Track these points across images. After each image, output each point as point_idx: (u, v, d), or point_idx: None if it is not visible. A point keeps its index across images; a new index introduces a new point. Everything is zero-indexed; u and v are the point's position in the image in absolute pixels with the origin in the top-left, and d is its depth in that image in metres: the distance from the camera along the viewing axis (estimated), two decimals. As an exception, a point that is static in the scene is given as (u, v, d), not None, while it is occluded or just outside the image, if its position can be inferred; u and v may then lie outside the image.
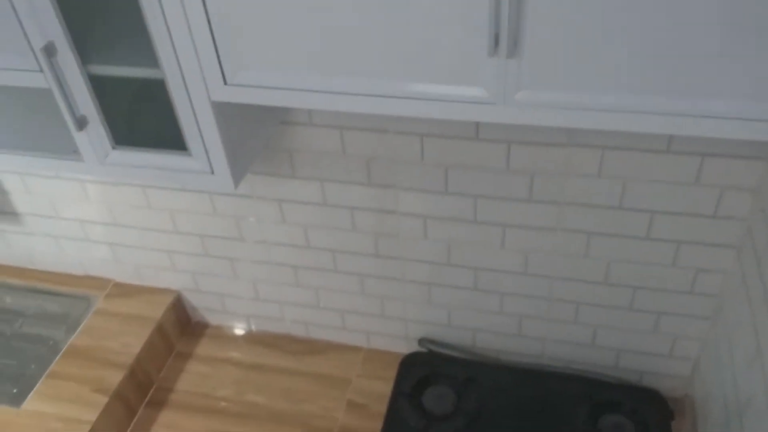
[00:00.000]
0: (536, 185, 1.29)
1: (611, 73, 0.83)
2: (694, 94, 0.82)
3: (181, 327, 1.85)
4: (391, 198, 1.41)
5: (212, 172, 1.13)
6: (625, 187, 1.25)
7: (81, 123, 1.11)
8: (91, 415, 1.53)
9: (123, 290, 1.85)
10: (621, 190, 1.25)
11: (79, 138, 1.15)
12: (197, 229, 1.65)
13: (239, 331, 1.86)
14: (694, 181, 1.20)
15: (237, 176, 1.15)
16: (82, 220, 1.74)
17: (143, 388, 1.69)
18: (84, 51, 1.04)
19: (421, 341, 1.69)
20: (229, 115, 1.09)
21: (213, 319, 1.88)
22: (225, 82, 0.99)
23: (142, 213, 1.65)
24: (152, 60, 1.00)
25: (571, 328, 1.51)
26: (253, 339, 1.84)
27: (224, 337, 1.85)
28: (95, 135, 1.14)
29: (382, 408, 1.59)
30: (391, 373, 1.62)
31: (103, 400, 1.56)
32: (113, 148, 1.15)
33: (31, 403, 1.57)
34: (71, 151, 1.19)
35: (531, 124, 0.95)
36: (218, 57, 0.97)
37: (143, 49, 1.00)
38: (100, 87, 1.08)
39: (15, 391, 1.61)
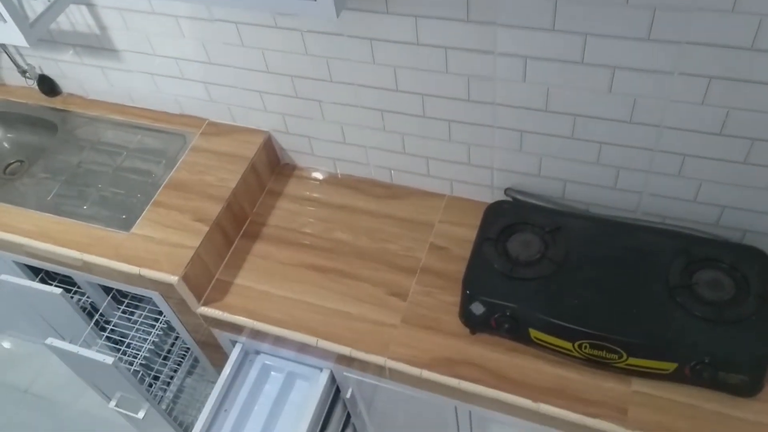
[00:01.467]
0: (657, 22, 1.12)
1: None
2: None
3: (271, 167, 1.84)
4: (489, 36, 1.28)
5: (314, -2, 1.02)
6: (761, 24, 1.06)
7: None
8: (195, 242, 1.57)
9: (217, 129, 1.83)
10: (756, 26, 1.07)
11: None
12: (288, 69, 1.57)
13: (325, 174, 1.84)
14: None
15: (339, 4, 1.03)
16: (177, 58, 1.69)
17: (239, 221, 1.71)
18: None
19: (508, 191, 1.61)
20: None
21: (300, 161, 1.85)
22: None
23: (236, 51, 1.58)
24: None
25: (673, 181, 1.39)
26: (337, 182, 1.81)
27: (311, 178, 1.83)
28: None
29: (463, 252, 1.56)
30: (474, 221, 1.57)
31: (204, 228, 1.59)
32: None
33: (139, 228, 1.63)
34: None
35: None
36: None
37: None
38: None
39: (124, 217, 1.66)
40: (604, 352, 1.30)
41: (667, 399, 1.31)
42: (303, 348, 1.54)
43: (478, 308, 1.40)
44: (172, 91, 1.81)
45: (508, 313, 1.36)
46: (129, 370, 1.69)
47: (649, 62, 1.19)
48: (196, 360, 2.04)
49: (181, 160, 1.76)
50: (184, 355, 2.05)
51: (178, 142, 1.81)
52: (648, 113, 1.28)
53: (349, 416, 1.88)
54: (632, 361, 1.29)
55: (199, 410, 2.08)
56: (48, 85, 2.00)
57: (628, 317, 1.31)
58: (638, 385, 1.33)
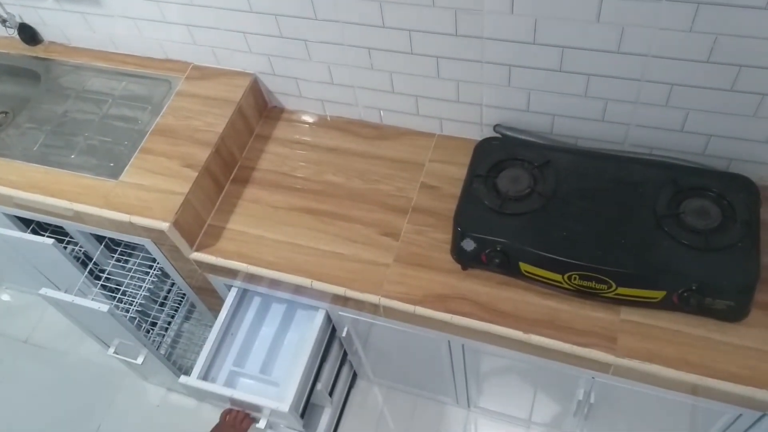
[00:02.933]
0: (644, -55, 1.10)
1: None
2: None
3: (259, 111, 1.82)
4: (476, -34, 1.25)
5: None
6: (750, -56, 1.05)
7: None
8: (184, 188, 1.57)
9: (202, 73, 1.81)
10: (745, -53, 1.05)
11: None
12: (272, 8, 1.55)
13: (314, 116, 1.83)
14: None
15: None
16: (158, 0, 1.65)
17: (228, 166, 1.71)
18: None
19: (497, 127, 1.61)
20: None
21: (288, 104, 1.84)
22: None
23: (216, -11, 1.55)
24: None
25: (660, 112, 1.39)
26: (327, 124, 1.80)
27: (300, 121, 1.82)
28: None
29: (454, 190, 1.57)
30: (464, 160, 1.57)
31: (193, 174, 1.59)
32: None
33: (128, 175, 1.63)
34: None
35: None
36: None
37: None
38: None
39: (112, 165, 1.66)
40: (594, 282, 1.33)
41: (656, 326, 1.34)
42: (298, 290, 1.57)
43: (469, 244, 1.41)
44: (154, 35, 1.78)
45: (498, 248, 1.38)
46: (125, 317, 1.72)
47: (637, -12, 1.18)
48: (192, 305, 2.07)
49: (167, 106, 1.74)
50: (180, 300, 2.08)
51: (163, 88, 1.79)
52: (636, 43, 1.27)
53: (345, 354, 1.93)
54: (621, 290, 1.32)
55: (198, 354, 2.13)
56: (29, 34, 1.96)
57: (617, 248, 1.33)
58: (627, 314, 1.36)
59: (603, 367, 1.35)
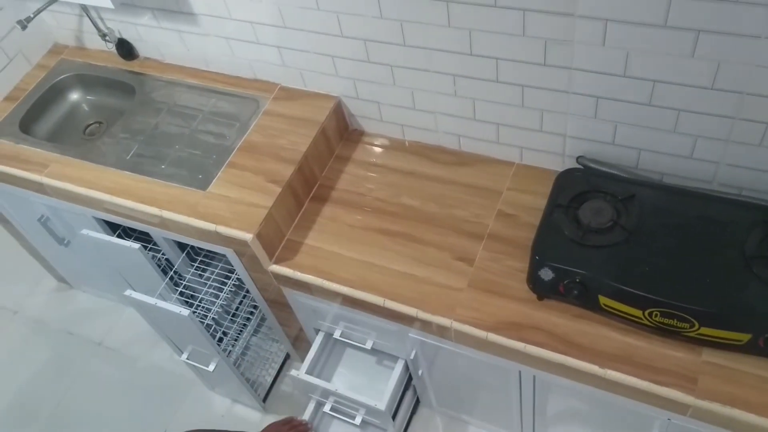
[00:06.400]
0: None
1: None
2: None
3: (340, 133, 1.91)
4: (570, -2, 1.30)
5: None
6: None
7: None
8: (267, 202, 1.66)
9: (288, 94, 1.91)
10: None
11: None
12: (362, 33, 1.64)
13: (392, 140, 1.90)
14: None
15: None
16: (252, 22, 1.77)
17: (309, 184, 1.80)
18: None
19: (580, 158, 1.64)
20: None
21: (369, 127, 1.92)
22: None
23: (311, 15, 1.65)
24: None
25: (754, 151, 1.39)
26: (405, 148, 1.87)
27: (378, 145, 1.90)
28: None
29: (531, 219, 1.60)
30: (543, 189, 1.61)
31: (277, 189, 1.68)
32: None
33: (215, 187, 1.74)
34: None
35: None
36: None
37: None
38: None
39: (200, 176, 1.77)
40: (675, 320, 1.33)
41: (739, 370, 1.33)
42: (371, 308, 1.62)
43: (546, 274, 1.44)
44: (246, 55, 1.90)
45: (577, 280, 1.40)
46: (202, 324, 1.81)
47: (736, 24, 1.20)
48: (262, 319, 2.16)
49: (254, 124, 1.86)
50: (251, 312, 2.17)
51: (251, 106, 1.91)
52: (731, 79, 1.29)
53: (410, 378, 1.96)
54: (704, 330, 1.32)
55: (265, 368, 2.21)
56: (126, 49, 2.12)
57: (701, 286, 1.33)
58: (709, 355, 1.36)
59: (681, 408, 1.34)
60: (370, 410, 1.78)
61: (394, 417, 1.92)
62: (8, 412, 2.41)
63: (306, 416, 1.90)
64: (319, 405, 1.94)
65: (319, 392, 1.87)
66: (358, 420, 1.83)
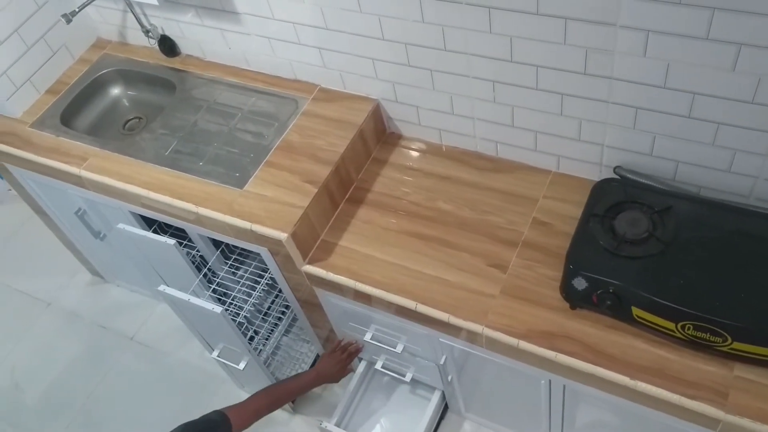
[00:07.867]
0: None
1: None
2: None
3: (377, 135, 2.00)
4: (612, 8, 1.36)
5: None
6: None
7: None
8: (303, 202, 1.76)
9: (328, 95, 2.00)
10: None
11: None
12: (403, 37, 1.71)
13: (429, 144, 1.98)
14: None
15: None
16: (295, 23, 1.86)
17: (345, 185, 1.89)
18: None
19: (617, 169, 1.69)
20: None
21: (406, 131, 2.00)
22: None
23: (353, 17, 1.74)
24: None
25: (794, 167, 1.44)
26: (441, 153, 1.95)
27: (415, 149, 1.98)
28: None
29: (567, 228, 1.67)
30: (579, 198, 1.67)
31: (313, 190, 1.77)
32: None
33: (251, 186, 1.83)
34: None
35: None
36: None
37: None
38: None
39: (237, 175, 1.87)
40: (708, 334, 1.38)
41: (772, 387, 1.37)
42: (402, 312, 1.70)
43: (580, 283, 1.50)
44: (287, 55, 2.00)
45: (611, 290, 1.46)
46: (234, 322, 1.91)
47: (778, 40, 1.25)
48: (294, 320, 2.25)
49: (292, 124, 1.95)
50: (283, 312, 2.27)
51: (290, 106, 2.00)
52: (773, 94, 1.34)
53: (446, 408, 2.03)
54: (737, 345, 1.37)
55: (295, 368, 2.30)
56: (168, 46, 2.23)
57: (736, 301, 1.38)
58: (741, 371, 1.40)
59: (711, 422, 1.39)
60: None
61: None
62: (40, 403, 2.55)
63: None
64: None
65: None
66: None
